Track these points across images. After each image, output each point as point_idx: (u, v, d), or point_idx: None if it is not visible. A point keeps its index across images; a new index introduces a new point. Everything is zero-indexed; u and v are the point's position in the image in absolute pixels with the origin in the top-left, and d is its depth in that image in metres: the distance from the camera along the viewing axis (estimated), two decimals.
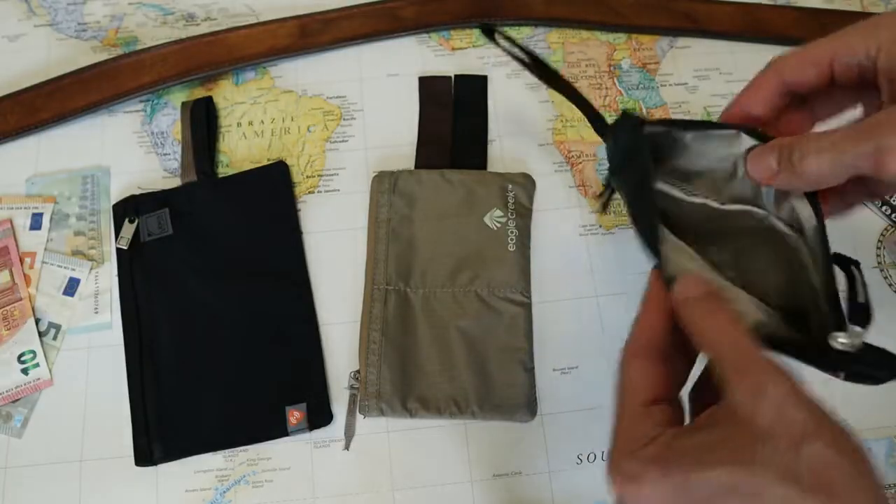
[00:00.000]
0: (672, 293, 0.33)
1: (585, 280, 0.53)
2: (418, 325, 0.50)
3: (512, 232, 0.52)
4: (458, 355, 0.49)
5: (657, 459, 0.29)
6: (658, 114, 0.58)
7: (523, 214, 0.53)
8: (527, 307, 0.51)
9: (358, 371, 0.49)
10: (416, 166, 0.55)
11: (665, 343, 0.33)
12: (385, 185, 0.53)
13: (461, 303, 0.50)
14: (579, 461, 0.49)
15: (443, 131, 0.57)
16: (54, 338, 0.51)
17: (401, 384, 0.48)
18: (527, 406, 0.48)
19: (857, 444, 0.28)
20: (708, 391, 0.33)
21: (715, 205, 0.40)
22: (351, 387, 0.50)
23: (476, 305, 0.50)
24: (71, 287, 0.52)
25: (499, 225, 0.52)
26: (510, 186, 0.53)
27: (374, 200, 0.53)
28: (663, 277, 0.34)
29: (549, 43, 0.61)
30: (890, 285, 0.54)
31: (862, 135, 0.32)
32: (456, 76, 0.59)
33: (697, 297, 0.32)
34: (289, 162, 0.56)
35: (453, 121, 0.57)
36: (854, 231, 0.55)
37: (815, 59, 0.35)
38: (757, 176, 0.36)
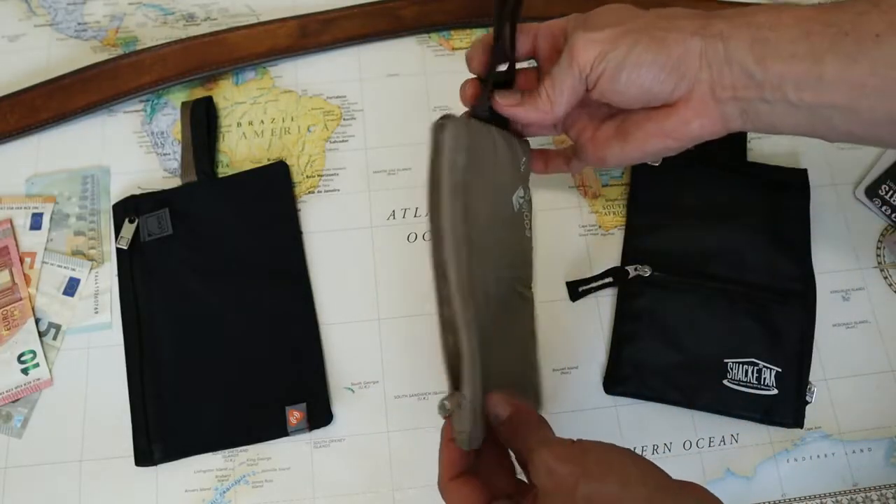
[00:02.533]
0: (488, 413, 0.39)
1: None
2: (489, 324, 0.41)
3: (527, 215, 0.46)
4: (507, 350, 0.43)
5: None
6: None
7: (527, 187, 0.46)
8: (532, 302, 0.46)
9: (446, 401, 0.39)
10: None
11: (469, 461, 0.38)
12: (462, 142, 0.39)
13: (505, 297, 0.43)
14: None
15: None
16: (54, 338, 0.51)
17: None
18: (535, 404, 0.46)
19: (616, 463, 0.34)
20: None
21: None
22: (444, 408, 0.39)
23: (513, 301, 0.44)
24: (71, 287, 0.52)
25: (518, 205, 0.44)
26: (524, 159, 0.45)
27: (451, 164, 0.39)
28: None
29: None
30: (890, 285, 0.54)
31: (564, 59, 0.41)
32: None
33: (512, 417, 0.38)
34: (289, 162, 0.56)
35: None
36: (854, 231, 0.55)
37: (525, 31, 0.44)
38: (505, 104, 0.42)
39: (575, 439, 0.36)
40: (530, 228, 0.46)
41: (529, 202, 0.46)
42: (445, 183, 0.39)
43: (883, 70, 0.36)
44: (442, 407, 0.40)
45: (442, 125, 0.39)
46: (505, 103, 0.42)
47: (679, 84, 0.39)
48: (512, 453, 0.40)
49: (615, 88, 0.40)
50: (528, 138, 0.47)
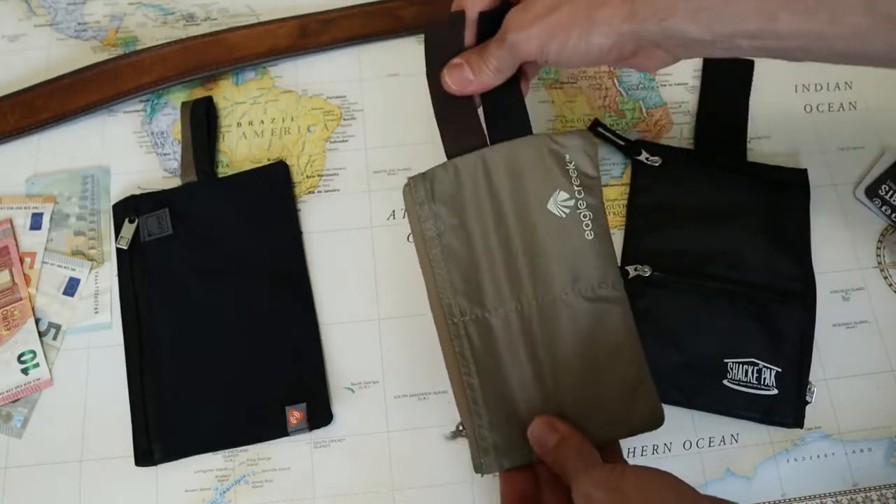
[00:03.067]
0: (531, 442, 0.42)
1: None
2: (503, 354, 0.43)
3: (585, 216, 0.43)
4: (554, 376, 0.42)
5: None
6: (658, 114, 0.58)
7: (591, 188, 0.44)
8: (621, 301, 0.43)
9: (461, 426, 0.43)
10: (448, 155, 0.45)
11: (530, 491, 0.42)
12: (421, 194, 0.44)
13: (546, 314, 0.43)
14: None
15: (464, 101, 0.45)
16: (54, 338, 0.51)
17: (510, 428, 0.42)
18: (650, 413, 0.42)
19: (650, 489, 0.36)
20: None
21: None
22: (455, 433, 0.46)
23: (564, 313, 0.43)
24: (71, 287, 0.52)
25: (567, 211, 0.43)
26: (568, 156, 0.44)
27: (415, 215, 0.44)
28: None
29: None
30: (890, 285, 0.54)
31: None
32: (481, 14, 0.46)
33: (557, 445, 0.40)
34: (289, 162, 0.56)
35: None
36: (854, 231, 0.55)
37: None
38: (456, 86, 0.44)
39: (617, 466, 0.37)
40: (593, 230, 0.43)
41: (590, 205, 0.44)
42: (417, 236, 0.44)
43: (840, 17, 0.36)
44: (455, 431, 0.45)
45: (405, 187, 0.45)
46: (452, 82, 0.44)
47: (621, 53, 0.41)
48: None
49: (560, 64, 0.43)
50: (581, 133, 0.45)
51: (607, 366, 0.42)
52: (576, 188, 0.43)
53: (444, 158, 0.45)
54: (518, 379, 0.43)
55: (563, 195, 0.43)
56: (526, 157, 0.44)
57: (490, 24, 0.44)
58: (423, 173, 0.44)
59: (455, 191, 0.44)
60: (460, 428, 0.44)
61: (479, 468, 0.42)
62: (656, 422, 0.43)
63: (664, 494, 0.35)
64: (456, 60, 0.44)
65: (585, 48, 0.41)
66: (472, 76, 0.44)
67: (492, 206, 0.44)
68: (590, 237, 0.43)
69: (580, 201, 0.43)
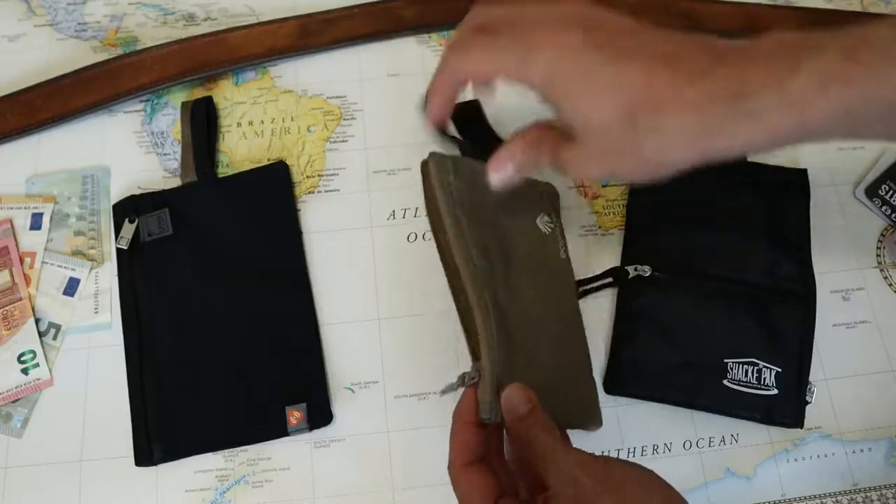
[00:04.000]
0: (502, 408, 0.39)
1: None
2: (515, 317, 0.44)
3: (559, 238, 0.50)
4: (540, 354, 0.45)
5: None
6: None
7: (559, 221, 0.51)
8: (578, 320, 0.50)
9: (468, 376, 0.42)
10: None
11: (484, 449, 0.39)
12: (448, 167, 0.46)
13: (540, 310, 0.46)
14: None
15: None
16: (54, 338, 0.51)
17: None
18: (595, 415, 0.46)
19: (638, 483, 0.35)
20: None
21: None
22: (456, 385, 0.43)
23: (556, 315, 0.47)
24: (71, 287, 0.52)
25: (549, 230, 0.50)
26: (543, 194, 0.51)
27: (441, 182, 0.45)
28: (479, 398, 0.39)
29: None
30: (890, 285, 0.54)
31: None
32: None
33: (527, 414, 0.38)
34: (289, 162, 0.56)
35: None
36: (854, 231, 0.55)
37: (483, 75, 0.39)
38: (499, 182, 0.41)
39: (595, 455, 0.36)
40: (566, 251, 0.50)
41: (562, 230, 0.51)
42: (442, 199, 0.44)
43: None
44: (461, 378, 0.42)
45: (426, 161, 0.46)
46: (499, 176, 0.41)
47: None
48: (510, 451, 0.40)
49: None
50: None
51: (571, 364, 0.47)
52: (554, 215, 0.51)
53: None
54: (521, 343, 0.44)
55: (546, 218, 0.50)
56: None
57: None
58: (445, 155, 0.47)
59: (470, 178, 0.46)
60: (471, 377, 0.42)
61: (497, 415, 0.40)
62: (599, 424, 0.46)
63: (652, 496, 0.34)
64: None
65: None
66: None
67: (494, 202, 0.46)
68: (563, 257, 0.50)
69: (557, 226, 0.50)
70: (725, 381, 0.49)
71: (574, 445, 0.49)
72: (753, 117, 0.32)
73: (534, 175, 0.42)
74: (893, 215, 0.55)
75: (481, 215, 0.45)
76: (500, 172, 0.40)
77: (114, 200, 0.54)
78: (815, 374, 0.51)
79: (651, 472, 0.35)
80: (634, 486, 0.35)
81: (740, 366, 0.49)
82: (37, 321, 0.51)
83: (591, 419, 0.46)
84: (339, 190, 0.56)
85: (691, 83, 0.33)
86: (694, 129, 0.33)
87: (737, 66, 0.33)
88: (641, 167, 0.36)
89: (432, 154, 0.46)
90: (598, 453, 0.48)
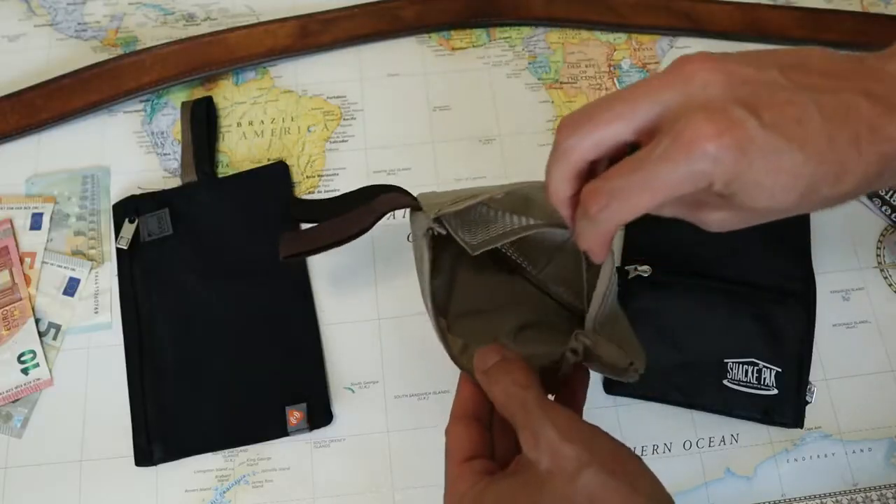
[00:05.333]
0: (474, 366, 0.37)
1: None
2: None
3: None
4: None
5: None
6: None
7: None
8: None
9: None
10: None
11: (481, 409, 0.37)
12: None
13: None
14: None
15: None
16: (54, 338, 0.51)
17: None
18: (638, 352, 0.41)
19: (629, 461, 0.32)
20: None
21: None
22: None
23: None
24: (71, 287, 0.52)
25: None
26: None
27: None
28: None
29: (548, 43, 0.61)
30: (890, 285, 0.54)
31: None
32: None
33: (491, 367, 0.36)
34: (289, 162, 0.56)
35: None
36: (854, 231, 0.55)
37: (600, 144, 0.32)
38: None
39: (579, 417, 0.33)
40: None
41: None
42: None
43: None
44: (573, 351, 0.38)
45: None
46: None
47: None
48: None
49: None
50: None
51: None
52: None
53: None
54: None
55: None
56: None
57: None
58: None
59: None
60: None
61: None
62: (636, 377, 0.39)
63: (639, 471, 0.31)
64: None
65: None
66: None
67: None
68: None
69: None
70: (725, 381, 0.49)
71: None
72: None
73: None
74: (893, 215, 0.55)
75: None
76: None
77: (114, 200, 0.54)
78: (815, 374, 0.51)
79: (638, 457, 0.32)
80: (623, 459, 0.31)
81: (740, 366, 0.49)
82: (37, 321, 0.51)
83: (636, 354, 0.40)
84: (339, 190, 0.56)
85: (866, 145, 0.30)
86: (871, 185, 0.31)
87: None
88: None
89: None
90: None
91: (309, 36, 0.60)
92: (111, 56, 0.58)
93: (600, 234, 0.32)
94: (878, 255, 0.55)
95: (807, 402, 0.49)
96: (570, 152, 0.32)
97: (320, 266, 0.53)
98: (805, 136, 0.29)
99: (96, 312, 0.52)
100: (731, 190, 0.30)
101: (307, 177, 0.56)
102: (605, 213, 0.31)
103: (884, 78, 0.30)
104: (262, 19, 0.61)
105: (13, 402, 0.50)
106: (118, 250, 0.53)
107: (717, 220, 0.36)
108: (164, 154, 0.56)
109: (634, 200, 0.30)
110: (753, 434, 0.50)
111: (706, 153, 0.28)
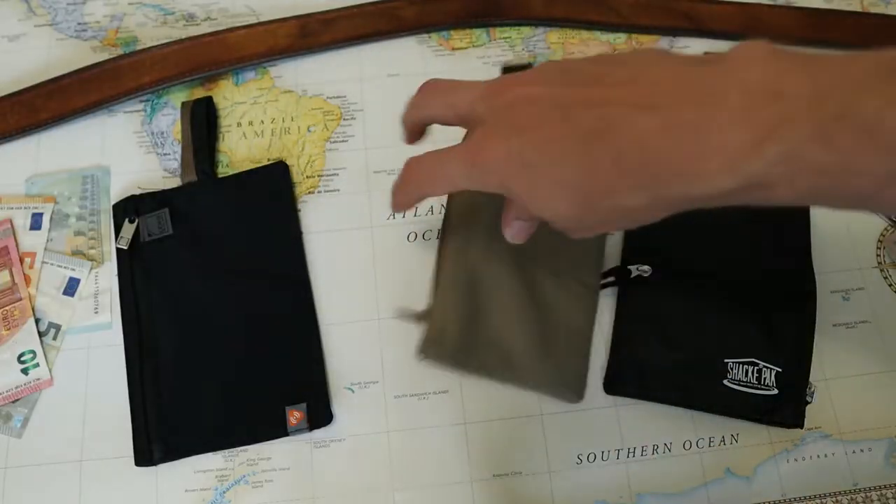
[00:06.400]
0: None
1: None
2: (488, 269, 0.48)
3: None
4: (522, 316, 0.48)
5: None
6: None
7: None
8: (592, 291, 0.50)
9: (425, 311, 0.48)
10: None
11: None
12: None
13: (531, 272, 0.49)
14: (579, 461, 0.49)
15: None
16: (54, 338, 0.51)
17: (467, 333, 0.47)
18: (576, 387, 0.48)
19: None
20: None
21: None
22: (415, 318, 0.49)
23: (549, 281, 0.49)
24: (71, 287, 0.52)
25: None
26: None
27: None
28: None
29: (548, 43, 0.61)
30: (890, 285, 0.54)
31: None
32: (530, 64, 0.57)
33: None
34: (289, 162, 0.56)
35: None
36: (854, 231, 0.55)
37: (433, 117, 0.42)
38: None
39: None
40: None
41: None
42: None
43: None
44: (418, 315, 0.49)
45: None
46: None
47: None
48: None
49: None
50: None
51: (564, 335, 0.48)
52: None
53: None
54: (495, 297, 0.48)
55: None
56: None
57: None
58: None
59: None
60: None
61: (423, 351, 0.47)
62: (579, 398, 0.48)
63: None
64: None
65: None
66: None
67: None
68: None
69: None
70: (725, 381, 0.49)
71: (573, 443, 0.49)
72: (709, 193, 0.31)
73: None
74: (894, 215, 0.55)
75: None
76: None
77: (114, 200, 0.54)
78: (815, 374, 0.51)
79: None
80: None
81: (740, 366, 0.49)
82: (37, 321, 0.51)
83: (568, 389, 0.48)
84: (339, 190, 0.56)
85: (637, 167, 0.32)
86: (654, 203, 0.34)
87: (688, 145, 0.30)
88: (604, 229, 0.38)
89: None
90: (597, 454, 0.49)
91: (309, 36, 0.60)
92: (111, 56, 0.58)
93: (408, 196, 0.42)
94: (878, 255, 0.55)
95: (807, 402, 0.49)
96: (417, 111, 0.42)
97: (320, 266, 0.53)
98: (563, 152, 0.32)
99: (96, 312, 0.52)
100: (512, 196, 0.36)
101: (307, 177, 0.56)
102: (410, 187, 0.41)
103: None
104: (262, 19, 0.61)
105: (13, 402, 0.50)
106: (118, 250, 0.53)
107: (524, 228, 0.41)
108: (164, 154, 0.57)
109: (435, 184, 0.40)
110: (753, 434, 0.50)
111: (476, 163, 0.35)
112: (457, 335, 0.47)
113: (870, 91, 0.27)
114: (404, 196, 0.42)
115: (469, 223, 0.49)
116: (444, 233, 0.50)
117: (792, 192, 0.29)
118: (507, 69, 0.51)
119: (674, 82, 0.31)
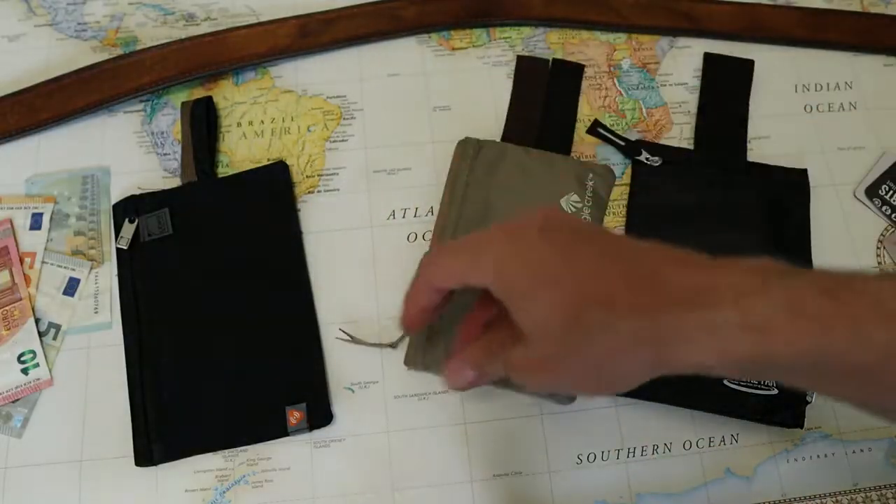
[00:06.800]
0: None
1: None
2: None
3: (585, 219, 0.52)
4: None
5: None
6: (658, 114, 0.58)
7: (599, 205, 0.53)
8: None
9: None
10: (503, 139, 0.56)
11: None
12: (469, 151, 0.54)
13: None
14: (579, 461, 0.49)
15: (532, 112, 0.57)
16: (54, 338, 0.51)
17: (449, 340, 0.48)
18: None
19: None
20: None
21: None
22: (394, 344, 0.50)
23: None
24: (71, 287, 0.52)
25: (574, 210, 0.52)
26: (590, 175, 0.53)
27: (455, 164, 0.54)
28: None
29: (548, 43, 0.61)
30: None
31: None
32: (554, 60, 0.59)
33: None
34: (289, 162, 0.56)
35: (545, 104, 0.57)
36: (854, 231, 0.55)
37: (449, 277, 0.38)
38: (458, 386, 0.40)
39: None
40: None
41: (593, 214, 0.53)
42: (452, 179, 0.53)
43: None
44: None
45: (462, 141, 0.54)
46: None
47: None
48: None
49: None
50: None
51: None
52: (587, 198, 0.53)
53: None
54: None
55: (575, 198, 0.53)
56: (558, 164, 0.54)
57: None
58: (478, 139, 0.55)
59: (495, 159, 0.54)
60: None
61: (409, 361, 0.49)
62: (571, 399, 0.49)
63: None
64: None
65: None
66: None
67: (517, 181, 0.53)
68: None
69: (586, 208, 0.52)
70: (725, 381, 0.49)
71: (573, 443, 0.49)
72: (711, 332, 0.30)
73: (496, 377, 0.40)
74: (893, 215, 0.55)
75: (483, 196, 0.52)
76: (459, 379, 0.39)
77: (114, 200, 0.54)
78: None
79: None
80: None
81: None
82: (37, 321, 0.51)
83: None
84: (338, 190, 0.56)
85: (647, 285, 0.31)
86: (644, 334, 0.31)
87: (700, 276, 0.31)
88: (585, 375, 0.34)
89: (464, 140, 0.54)
90: (597, 454, 0.49)
91: (309, 36, 0.60)
92: (111, 56, 0.58)
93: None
94: (878, 256, 0.55)
95: (807, 402, 0.49)
96: (425, 286, 0.39)
97: (320, 266, 0.53)
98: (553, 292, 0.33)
99: (96, 312, 0.52)
100: (501, 291, 0.35)
101: (307, 176, 0.56)
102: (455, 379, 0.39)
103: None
104: (262, 19, 0.61)
105: (13, 402, 0.50)
106: (118, 250, 0.53)
107: (515, 361, 0.37)
108: (164, 154, 0.57)
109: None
110: (753, 434, 0.50)
111: (487, 245, 0.36)
112: (440, 343, 0.48)
113: None
114: (414, 299, 0.40)
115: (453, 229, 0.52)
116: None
117: (793, 338, 0.30)
118: (521, 60, 0.59)
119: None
